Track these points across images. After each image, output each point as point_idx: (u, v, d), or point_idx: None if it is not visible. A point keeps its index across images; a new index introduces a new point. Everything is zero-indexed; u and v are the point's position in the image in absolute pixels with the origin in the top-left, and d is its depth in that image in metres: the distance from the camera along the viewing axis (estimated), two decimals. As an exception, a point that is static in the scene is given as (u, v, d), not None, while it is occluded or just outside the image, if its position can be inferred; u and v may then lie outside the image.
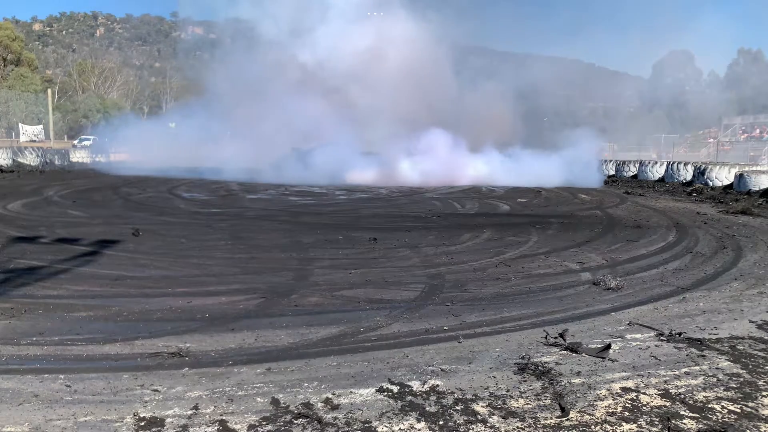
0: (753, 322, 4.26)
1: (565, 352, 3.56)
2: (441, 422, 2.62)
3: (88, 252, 6.55)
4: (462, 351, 3.61)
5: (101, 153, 29.71)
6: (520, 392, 2.97)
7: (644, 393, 2.97)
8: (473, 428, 2.57)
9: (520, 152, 20.56)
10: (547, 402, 2.85)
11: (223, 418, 2.65)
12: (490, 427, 2.58)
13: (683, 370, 3.30)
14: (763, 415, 2.75)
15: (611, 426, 2.60)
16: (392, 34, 26.87)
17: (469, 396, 2.92)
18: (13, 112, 44.80)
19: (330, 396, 2.89)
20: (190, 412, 2.70)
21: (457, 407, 2.78)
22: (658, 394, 2.95)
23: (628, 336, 3.92)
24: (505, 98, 28.70)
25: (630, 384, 3.08)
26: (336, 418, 2.66)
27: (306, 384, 3.06)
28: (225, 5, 43.39)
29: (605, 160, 23.66)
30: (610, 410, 2.76)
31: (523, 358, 3.45)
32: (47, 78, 66.31)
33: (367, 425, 2.59)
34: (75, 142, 45.45)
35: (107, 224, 8.75)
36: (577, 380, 3.13)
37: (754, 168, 17.21)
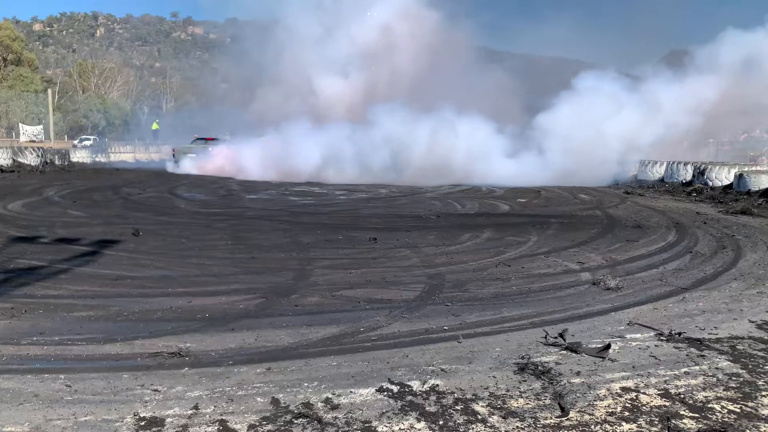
0: (753, 322, 4.26)
1: (564, 352, 3.57)
2: (441, 422, 2.62)
3: (88, 252, 6.56)
4: (462, 351, 3.61)
5: (101, 153, 29.97)
6: (520, 392, 2.97)
7: (644, 393, 2.97)
8: (473, 428, 2.57)
9: None
10: (547, 402, 2.85)
11: (223, 417, 2.65)
12: (490, 427, 2.58)
13: (683, 370, 3.30)
14: (763, 415, 2.75)
15: (611, 426, 2.60)
16: (405, 26, 27.20)
17: (469, 396, 2.92)
18: (13, 112, 44.86)
19: (330, 396, 2.90)
20: (190, 412, 2.70)
21: (457, 407, 2.78)
22: (658, 394, 2.96)
23: (628, 336, 3.92)
24: (506, 92, 28.80)
25: (630, 384, 3.09)
26: (336, 417, 2.66)
27: (306, 384, 3.06)
28: (252, 3, 44.28)
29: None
30: (610, 410, 2.76)
31: (522, 358, 3.45)
32: (47, 78, 66.39)
33: (367, 425, 2.59)
34: (75, 142, 45.55)
35: (107, 224, 8.75)
36: (576, 380, 3.13)
37: (754, 168, 17.19)
